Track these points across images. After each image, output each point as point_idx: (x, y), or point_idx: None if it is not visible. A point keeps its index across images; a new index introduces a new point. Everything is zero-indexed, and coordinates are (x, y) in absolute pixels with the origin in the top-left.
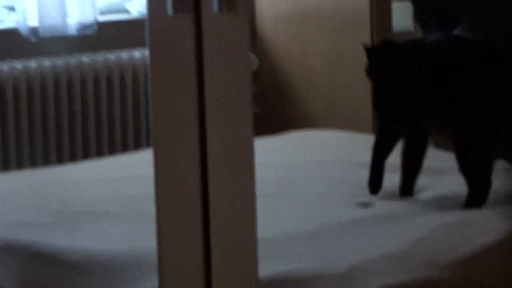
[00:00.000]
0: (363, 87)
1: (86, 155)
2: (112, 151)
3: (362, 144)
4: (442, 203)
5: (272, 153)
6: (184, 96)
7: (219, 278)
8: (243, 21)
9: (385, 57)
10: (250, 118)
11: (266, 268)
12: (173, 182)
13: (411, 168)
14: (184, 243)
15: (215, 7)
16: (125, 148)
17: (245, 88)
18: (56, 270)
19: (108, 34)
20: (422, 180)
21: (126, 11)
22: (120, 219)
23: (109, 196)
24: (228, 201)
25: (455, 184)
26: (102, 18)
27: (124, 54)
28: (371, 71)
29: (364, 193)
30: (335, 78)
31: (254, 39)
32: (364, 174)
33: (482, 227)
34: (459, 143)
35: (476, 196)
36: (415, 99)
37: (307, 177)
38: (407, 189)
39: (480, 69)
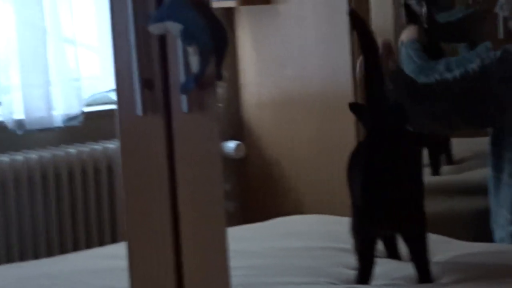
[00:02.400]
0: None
1: (76, 247)
2: (102, 241)
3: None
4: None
5: (256, 240)
6: (156, 195)
7: None
8: (213, 119)
9: None
10: (222, 216)
11: None
12: (148, 273)
13: None
14: None
15: (184, 107)
16: (114, 239)
17: (217, 186)
18: None
19: (94, 124)
20: None
21: (112, 101)
22: None
23: None
24: None
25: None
26: (87, 109)
27: (110, 145)
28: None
29: (350, 279)
30: (321, 163)
31: (240, 127)
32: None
33: None
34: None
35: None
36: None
37: (291, 265)
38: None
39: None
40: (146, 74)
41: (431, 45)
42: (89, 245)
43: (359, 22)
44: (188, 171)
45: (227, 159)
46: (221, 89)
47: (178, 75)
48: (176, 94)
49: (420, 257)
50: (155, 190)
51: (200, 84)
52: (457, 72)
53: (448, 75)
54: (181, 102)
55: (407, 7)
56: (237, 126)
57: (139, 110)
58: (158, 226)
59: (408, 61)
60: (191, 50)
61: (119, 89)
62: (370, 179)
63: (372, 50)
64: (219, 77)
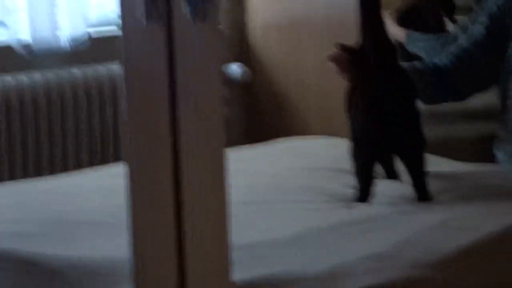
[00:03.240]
0: None
1: (80, 166)
2: (105, 161)
3: None
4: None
5: (260, 160)
6: (156, 104)
7: (193, 283)
8: (216, 28)
9: None
10: (221, 125)
11: (247, 273)
12: (147, 190)
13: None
14: (158, 249)
15: (188, 15)
16: (117, 158)
17: (217, 97)
18: (38, 277)
19: (100, 47)
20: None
21: (119, 24)
22: (109, 228)
23: (99, 206)
24: (202, 208)
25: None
26: (94, 32)
27: (116, 67)
28: None
29: (349, 197)
30: (327, 85)
31: (246, 50)
32: (349, 179)
33: (464, 227)
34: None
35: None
36: None
37: (292, 184)
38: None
39: None
40: None
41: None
42: (92, 164)
43: None
44: (189, 80)
45: (233, 83)
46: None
47: None
48: (180, 2)
49: (417, 176)
50: (155, 102)
51: None
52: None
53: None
54: (185, 11)
55: None
56: (243, 50)
57: (143, 18)
58: (158, 139)
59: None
60: None
61: None
62: (369, 107)
63: None
64: None
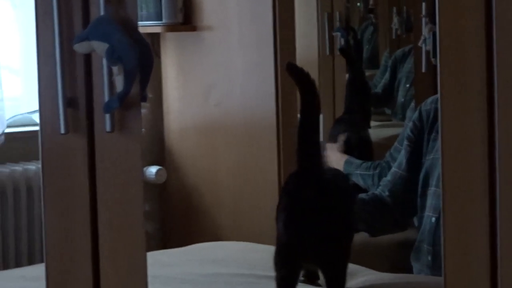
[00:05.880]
0: (269, 202)
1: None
2: (19, 263)
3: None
4: None
5: (174, 265)
6: (77, 215)
7: None
8: (136, 140)
9: None
10: (142, 238)
11: None
12: None
13: None
14: None
15: (107, 126)
16: (31, 261)
17: (138, 207)
18: None
19: (15, 145)
20: None
21: (34, 123)
22: None
23: None
24: None
25: None
26: (9, 130)
27: (31, 166)
28: None
29: None
30: (241, 191)
31: (162, 152)
32: (267, 286)
33: None
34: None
35: None
36: None
37: None
38: None
39: None
40: (70, 93)
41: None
42: (5, 266)
43: (298, 72)
44: (109, 192)
45: (148, 184)
46: (145, 110)
47: (103, 95)
48: (100, 113)
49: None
50: (76, 210)
51: (124, 104)
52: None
53: None
54: (105, 122)
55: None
56: (159, 152)
57: (62, 129)
58: (77, 247)
59: None
60: (116, 69)
61: (42, 107)
62: (295, 214)
63: (311, 99)
64: (143, 98)
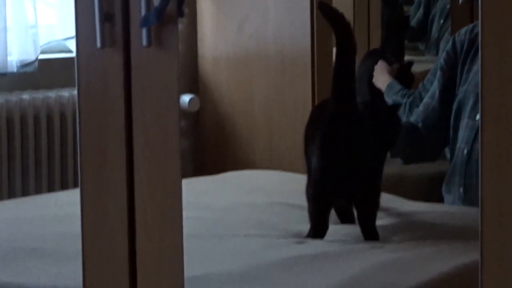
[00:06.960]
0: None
1: (25, 193)
2: (52, 188)
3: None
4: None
5: (209, 193)
6: (112, 135)
7: None
8: (173, 55)
9: None
10: (177, 155)
11: None
12: (100, 221)
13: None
14: (110, 279)
15: (144, 41)
16: (65, 186)
17: (173, 123)
18: None
19: (49, 72)
20: None
21: (68, 50)
22: (53, 256)
23: (44, 234)
24: (155, 239)
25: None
26: (43, 56)
27: (64, 93)
28: None
29: (300, 233)
30: (275, 120)
31: (196, 80)
32: (301, 215)
33: (414, 267)
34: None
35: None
36: None
37: (242, 218)
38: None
39: None
40: (107, 7)
41: None
42: (38, 191)
43: (332, 13)
44: (146, 106)
45: (181, 112)
46: (181, 25)
47: (139, 9)
48: (136, 28)
49: (367, 217)
50: (110, 128)
51: (161, 19)
52: None
53: None
54: (141, 36)
55: None
56: (193, 80)
57: (98, 42)
58: (113, 167)
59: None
60: None
61: (79, 22)
62: (331, 154)
63: (346, 40)
64: (180, 13)
